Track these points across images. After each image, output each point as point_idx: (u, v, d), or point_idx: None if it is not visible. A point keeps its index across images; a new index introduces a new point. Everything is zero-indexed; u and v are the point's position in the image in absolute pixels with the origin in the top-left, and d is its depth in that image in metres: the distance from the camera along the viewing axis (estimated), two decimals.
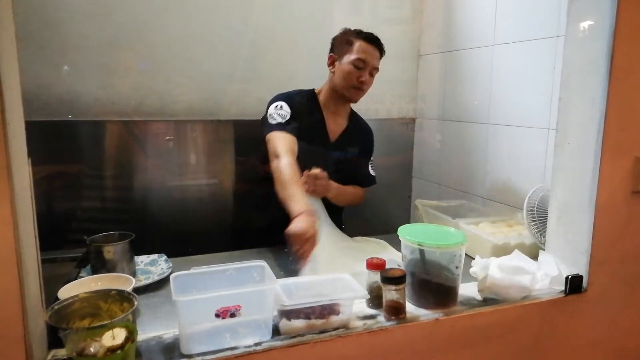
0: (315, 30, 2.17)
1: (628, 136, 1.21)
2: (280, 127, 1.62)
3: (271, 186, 1.48)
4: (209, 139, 2.08)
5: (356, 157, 1.84)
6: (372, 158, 1.92)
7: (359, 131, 1.87)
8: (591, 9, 1.17)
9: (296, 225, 1.25)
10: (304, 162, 1.55)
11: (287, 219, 1.32)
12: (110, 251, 1.30)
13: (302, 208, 1.31)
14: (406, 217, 2.47)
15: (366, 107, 2.32)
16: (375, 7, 2.27)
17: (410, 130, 2.45)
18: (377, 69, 1.73)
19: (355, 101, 1.78)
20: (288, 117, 1.65)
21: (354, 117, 1.87)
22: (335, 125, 1.81)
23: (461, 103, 2.11)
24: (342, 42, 1.73)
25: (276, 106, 1.68)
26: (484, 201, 1.97)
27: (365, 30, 1.74)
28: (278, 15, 2.11)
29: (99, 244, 1.31)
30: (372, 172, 1.90)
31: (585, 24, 1.19)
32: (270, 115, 1.67)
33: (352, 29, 1.75)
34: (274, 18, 2.11)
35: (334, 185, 1.66)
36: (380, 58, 1.74)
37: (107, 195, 1.95)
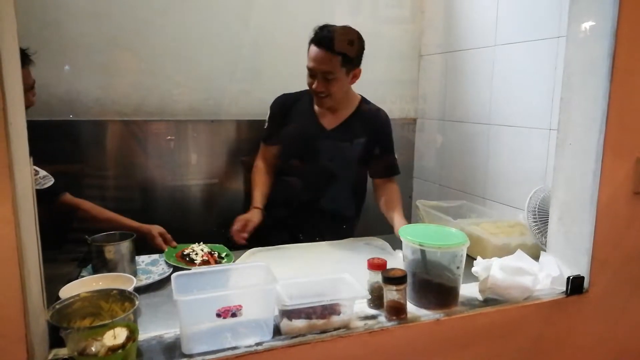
0: None
1: (629, 137, 1.21)
2: (262, 138, 1.88)
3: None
4: (210, 138, 2.08)
5: (367, 146, 1.79)
6: (394, 148, 1.86)
7: (365, 120, 1.81)
8: (592, 10, 1.17)
9: (244, 214, 1.63)
10: (297, 152, 1.73)
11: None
12: (112, 251, 1.30)
13: (254, 205, 1.69)
14: (407, 218, 2.45)
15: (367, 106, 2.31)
16: (376, 7, 2.27)
17: (411, 131, 2.45)
18: (331, 73, 1.62)
19: (321, 107, 1.74)
20: (266, 125, 1.85)
21: (361, 106, 1.82)
22: (333, 116, 1.78)
23: (462, 103, 2.11)
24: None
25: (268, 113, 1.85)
26: (485, 202, 1.97)
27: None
28: (278, 15, 2.11)
29: (100, 243, 1.31)
30: (394, 162, 1.85)
31: (586, 25, 1.19)
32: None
33: (320, 26, 1.67)
34: (274, 18, 2.11)
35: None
36: (346, 57, 1.62)
37: (107, 194, 1.95)
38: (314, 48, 1.62)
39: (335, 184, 1.78)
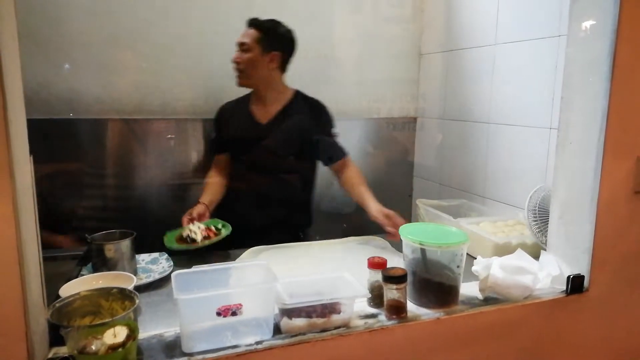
0: (316, 29, 2.16)
1: (630, 136, 1.21)
2: (210, 150, 2.01)
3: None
4: (210, 137, 2.07)
5: (305, 135, 1.83)
6: (336, 132, 1.89)
7: (299, 110, 1.85)
8: (593, 9, 1.17)
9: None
10: (240, 152, 1.82)
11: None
12: (112, 249, 1.30)
13: (202, 201, 1.74)
14: (407, 217, 2.45)
15: (368, 106, 2.32)
16: (377, 6, 2.26)
17: (412, 130, 2.45)
18: (246, 44, 1.75)
19: (239, 83, 1.81)
20: (212, 136, 1.95)
21: (295, 98, 1.87)
22: (265, 110, 1.84)
23: (462, 102, 2.11)
24: None
25: None
26: (485, 201, 1.97)
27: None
28: (278, 14, 2.10)
29: (100, 242, 1.31)
30: (340, 144, 1.88)
31: (587, 24, 1.18)
32: None
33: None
34: (274, 16, 2.10)
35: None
36: (263, 38, 1.75)
37: (108, 193, 1.95)
38: (244, 29, 1.79)
39: (279, 177, 1.85)
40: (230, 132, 1.86)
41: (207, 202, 1.74)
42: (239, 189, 1.84)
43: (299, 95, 1.89)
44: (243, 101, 1.89)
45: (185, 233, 1.51)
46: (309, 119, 1.85)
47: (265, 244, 1.62)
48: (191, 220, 1.60)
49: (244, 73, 1.78)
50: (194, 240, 1.47)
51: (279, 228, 1.84)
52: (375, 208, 1.64)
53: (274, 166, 1.84)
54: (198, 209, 1.66)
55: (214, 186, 1.85)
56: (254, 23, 1.79)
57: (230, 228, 1.56)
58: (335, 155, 1.86)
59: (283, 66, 1.83)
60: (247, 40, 1.76)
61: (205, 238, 1.49)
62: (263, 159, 1.82)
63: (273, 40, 1.78)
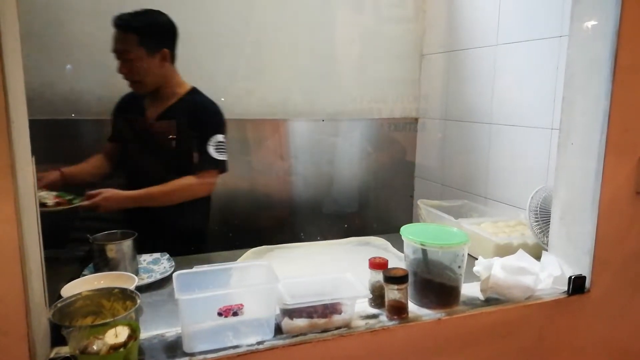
0: (318, 29, 2.17)
1: (632, 136, 1.20)
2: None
3: None
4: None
5: (186, 136, 1.69)
6: (221, 140, 1.70)
7: (185, 109, 1.70)
8: (595, 9, 1.17)
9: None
10: (127, 145, 1.73)
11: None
12: (113, 250, 1.30)
13: (63, 169, 1.64)
14: (408, 217, 2.46)
15: (369, 106, 2.32)
16: (378, 7, 2.27)
17: (413, 130, 2.45)
18: (127, 52, 1.58)
19: (136, 91, 1.68)
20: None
21: (187, 96, 1.72)
22: (154, 107, 1.72)
23: (464, 103, 2.11)
24: None
25: None
26: (487, 201, 1.97)
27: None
28: (280, 14, 2.11)
29: (102, 242, 1.31)
30: (214, 154, 1.67)
31: (588, 24, 1.18)
32: None
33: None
34: (276, 17, 2.11)
35: (124, 194, 1.58)
36: (143, 37, 1.58)
37: None
38: (114, 31, 1.59)
39: (162, 176, 1.67)
40: (120, 123, 1.75)
41: (67, 171, 1.64)
42: (126, 184, 1.69)
43: (191, 94, 1.74)
44: (132, 93, 1.75)
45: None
46: (192, 121, 1.69)
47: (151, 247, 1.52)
48: (45, 187, 1.52)
49: (138, 83, 1.64)
50: (44, 205, 1.43)
51: (163, 230, 1.68)
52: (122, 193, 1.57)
53: (156, 165, 1.71)
54: (51, 175, 1.58)
55: (86, 164, 1.75)
56: (125, 24, 1.58)
57: (79, 199, 1.51)
58: (199, 166, 1.68)
59: (174, 58, 1.68)
60: (126, 47, 1.58)
61: (57, 204, 1.46)
62: (146, 156, 1.72)
63: (156, 36, 1.62)
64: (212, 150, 1.68)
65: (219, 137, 1.69)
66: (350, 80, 2.27)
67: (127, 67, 1.60)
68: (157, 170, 1.70)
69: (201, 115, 1.72)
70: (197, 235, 1.79)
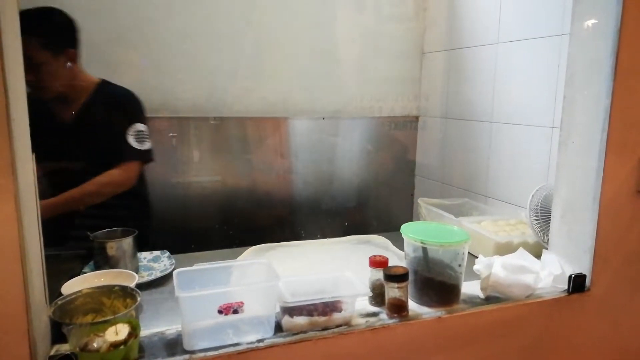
0: (318, 27, 2.16)
1: (633, 135, 1.20)
2: None
3: None
4: (212, 136, 2.08)
5: (108, 129, 1.63)
6: (140, 129, 1.65)
7: (99, 103, 1.64)
8: (596, 8, 1.16)
9: None
10: (44, 152, 1.46)
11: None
12: (113, 247, 1.30)
13: None
14: (409, 215, 2.47)
15: (369, 104, 2.32)
16: (379, 5, 2.26)
17: (414, 129, 2.45)
18: (33, 58, 1.45)
19: (47, 96, 1.58)
20: None
21: (98, 90, 1.65)
22: (65, 109, 1.63)
23: (465, 101, 2.11)
24: None
25: None
26: (487, 200, 1.97)
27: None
28: (280, 13, 2.11)
29: (102, 240, 1.31)
30: (134, 144, 1.62)
31: (590, 23, 1.18)
32: None
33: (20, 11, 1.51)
34: (276, 15, 2.11)
35: (43, 204, 1.33)
36: (48, 41, 1.48)
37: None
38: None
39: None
40: (34, 131, 1.58)
41: None
42: (59, 192, 1.57)
43: (102, 86, 1.67)
44: (36, 98, 1.60)
45: None
46: (109, 112, 1.62)
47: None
48: None
49: (45, 88, 1.53)
50: None
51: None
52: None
53: (82, 166, 1.63)
54: None
55: None
56: (24, 29, 1.45)
57: None
58: (121, 156, 1.61)
59: (78, 56, 1.59)
60: (30, 52, 1.40)
61: None
62: (70, 159, 1.62)
63: (60, 36, 1.53)
64: (132, 140, 1.63)
65: (139, 126, 1.65)
66: (351, 78, 2.27)
67: (33, 74, 1.46)
68: (84, 171, 1.61)
69: (117, 105, 1.66)
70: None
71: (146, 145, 1.65)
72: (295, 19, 2.13)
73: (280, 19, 2.11)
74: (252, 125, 2.13)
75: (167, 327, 0.99)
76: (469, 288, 1.18)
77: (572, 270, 1.24)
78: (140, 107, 1.69)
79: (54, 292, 1.03)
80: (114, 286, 1.00)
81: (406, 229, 1.15)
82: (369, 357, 1.03)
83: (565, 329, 1.24)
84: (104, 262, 1.30)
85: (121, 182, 1.63)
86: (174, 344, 0.93)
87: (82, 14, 1.83)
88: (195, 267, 1.04)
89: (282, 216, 2.22)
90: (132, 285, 1.04)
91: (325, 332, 0.98)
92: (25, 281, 0.81)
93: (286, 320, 0.98)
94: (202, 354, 0.90)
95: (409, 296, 1.07)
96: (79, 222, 1.62)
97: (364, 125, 2.34)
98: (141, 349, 0.91)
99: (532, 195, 1.51)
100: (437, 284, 1.11)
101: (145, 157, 1.66)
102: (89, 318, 0.95)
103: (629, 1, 1.11)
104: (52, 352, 0.89)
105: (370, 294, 1.09)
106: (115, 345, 0.82)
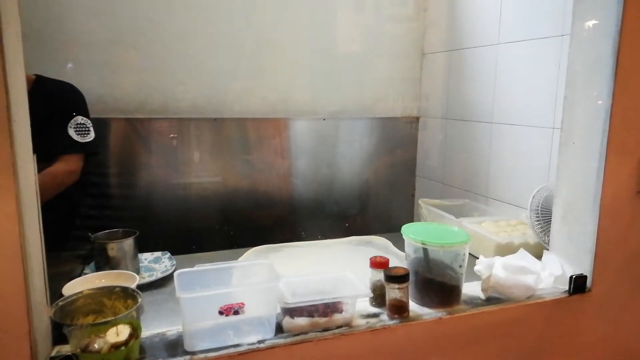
0: (319, 28, 2.17)
1: (633, 136, 1.20)
2: None
3: None
4: (213, 137, 2.08)
5: (49, 124, 1.57)
6: (81, 122, 1.61)
7: (37, 99, 1.52)
8: (596, 8, 1.16)
9: None
10: None
11: None
12: (114, 248, 1.30)
13: None
14: (409, 216, 2.46)
15: (370, 105, 2.32)
16: (379, 5, 2.26)
17: (414, 129, 2.45)
18: None
19: None
20: None
21: (34, 87, 1.60)
22: None
23: (465, 102, 2.11)
24: None
25: None
26: (488, 200, 1.97)
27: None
28: (281, 13, 2.11)
29: (103, 241, 1.31)
30: (75, 137, 1.59)
31: (590, 23, 1.18)
32: None
33: None
34: (276, 16, 2.11)
35: None
36: None
37: (111, 192, 1.96)
38: None
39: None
40: None
41: None
42: None
43: (38, 83, 1.62)
44: None
45: None
46: (47, 108, 1.57)
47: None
48: None
49: None
50: None
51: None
52: None
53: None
54: None
55: None
56: None
57: None
58: (62, 149, 1.56)
59: None
60: None
61: None
62: None
63: None
64: (72, 132, 1.60)
65: (79, 119, 1.61)
66: (351, 79, 2.27)
67: None
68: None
69: (54, 100, 1.62)
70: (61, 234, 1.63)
71: (88, 138, 1.62)
72: (295, 20, 2.13)
73: (281, 19, 2.11)
74: (252, 125, 2.13)
75: (168, 328, 0.99)
76: (470, 289, 1.18)
77: (572, 271, 1.24)
78: (79, 100, 1.65)
79: (54, 293, 1.03)
80: (114, 287, 1.00)
81: (407, 230, 1.15)
82: (369, 358, 1.03)
83: (566, 329, 1.24)
84: (105, 263, 1.30)
85: (65, 177, 1.59)
86: (174, 345, 0.93)
87: (83, 14, 1.84)
88: (196, 268, 1.04)
89: (283, 217, 2.22)
90: (133, 286, 1.04)
91: (326, 333, 0.98)
92: (26, 282, 0.81)
93: (287, 321, 0.98)
94: (202, 355, 0.90)
95: (409, 297, 1.07)
96: (79, 223, 1.63)
97: (364, 126, 2.34)
98: (142, 350, 0.91)
99: (533, 196, 1.51)
100: (438, 284, 1.11)
101: (89, 148, 1.62)
102: (90, 319, 0.95)
103: (630, 1, 1.11)
104: (53, 353, 0.89)
105: (371, 294, 1.09)
106: (116, 346, 0.82)
